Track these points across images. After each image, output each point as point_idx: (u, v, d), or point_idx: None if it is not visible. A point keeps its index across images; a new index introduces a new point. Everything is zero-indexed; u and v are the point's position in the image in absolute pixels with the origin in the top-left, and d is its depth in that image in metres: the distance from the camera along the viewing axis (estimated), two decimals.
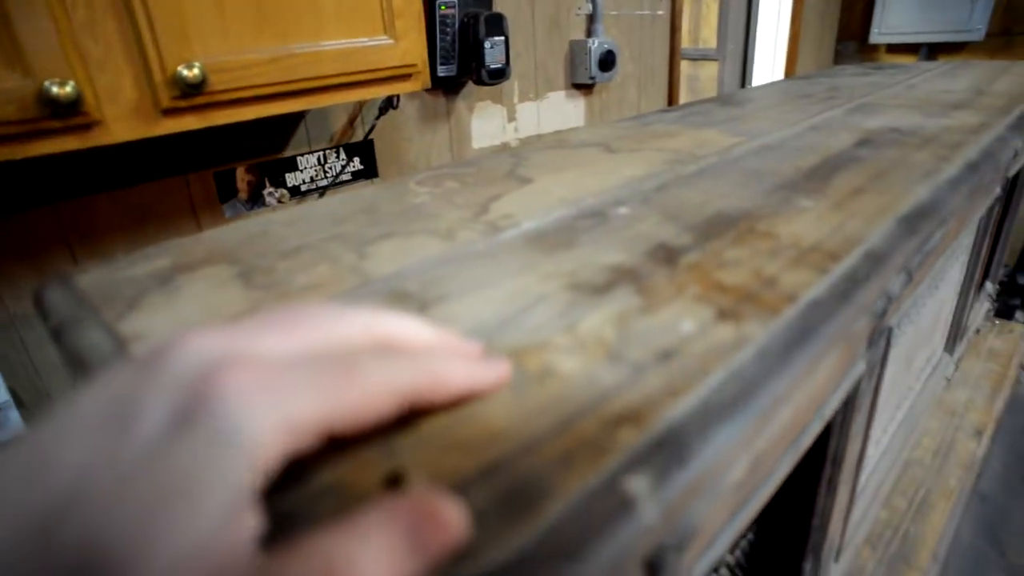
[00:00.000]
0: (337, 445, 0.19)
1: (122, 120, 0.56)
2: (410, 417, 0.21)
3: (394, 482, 0.19)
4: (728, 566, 0.49)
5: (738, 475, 0.28)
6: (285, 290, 0.31)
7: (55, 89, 0.51)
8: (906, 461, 0.73)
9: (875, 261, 0.33)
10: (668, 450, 0.21)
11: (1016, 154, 0.63)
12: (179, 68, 0.56)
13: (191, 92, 0.58)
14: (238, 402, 0.15)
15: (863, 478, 0.57)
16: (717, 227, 0.37)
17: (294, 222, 0.42)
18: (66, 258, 0.87)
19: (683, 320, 0.27)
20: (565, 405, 0.22)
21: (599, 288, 0.30)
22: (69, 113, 0.53)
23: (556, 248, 0.35)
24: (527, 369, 0.24)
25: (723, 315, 0.27)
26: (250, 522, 0.15)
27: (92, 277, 0.36)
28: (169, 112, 0.59)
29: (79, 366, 0.28)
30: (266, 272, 0.34)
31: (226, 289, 0.32)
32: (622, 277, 0.31)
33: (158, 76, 0.57)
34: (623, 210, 0.40)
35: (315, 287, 0.32)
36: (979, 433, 0.78)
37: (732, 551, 0.49)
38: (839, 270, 0.31)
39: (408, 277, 0.32)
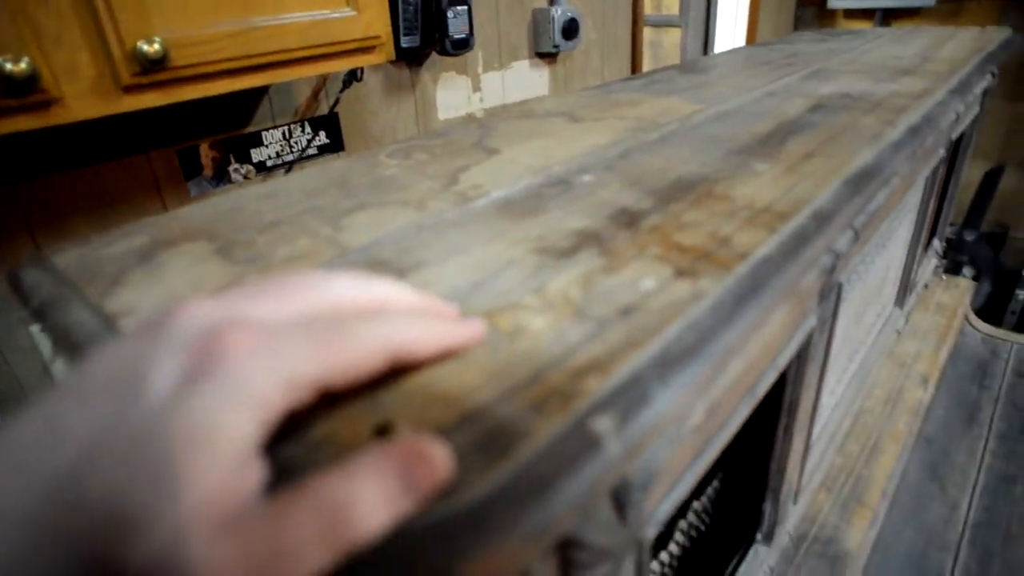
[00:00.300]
0: (329, 400, 0.20)
1: (82, 97, 0.55)
2: (394, 375, 0.22)
3: (383, 432, 0.21)
4: (696, 511, 0.53)
5: (697, 420, 0.31)
6: (267, 263, 0.32)
7: (9, 66, 0.50)
8: (859, 410, 0.78)
9: (821, 220, 0.35)
10: (630, 394, 0.23)
11: (958, 117, 0.66)
12: (139, 43, 0.56)
13: (152, 68, 0.57)
14: (243, 361, 0.16)
15: (818, 426, 0.61)
16: (677, 191, 0.39)
17: (268, 197, 0.43)
18: (26, 240, 0.86)
19: (643, 278, 0.29)
20: (536, 359, 0.24)
21: (565, 252, 0.32)
22: (25, 91, 0.52)
23: (524, 215, 0.37)
24: (500, 328, 0.26)
25: (680, 273, 0.29)
26: (256, 471, 0.17)
27: (69, 256, 0.36)
28: (130, 89, 0.58)
29: (66, 343, 0.29)
30: (246, 246, 0.35)
31: (208, 264, 0.33)
32: (586, 241, 0.33)
33: (117, 51, 0.56)
34: (587, 177, 0.42)
35: (296, 259, 0.33)
36: (925, 381, 0.84)
37: (699, 497, 0.52)
38: (788, 229, 0.33)
39: (384, 246, 0.34)
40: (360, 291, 0.22)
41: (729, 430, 0.37)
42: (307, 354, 0.18)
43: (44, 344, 0.90)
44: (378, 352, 0.20)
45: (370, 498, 0.16)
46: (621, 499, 0.26)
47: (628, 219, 0.35)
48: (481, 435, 0.21)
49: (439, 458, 0.18)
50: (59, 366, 0.92)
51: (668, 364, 0.24)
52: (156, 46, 0.56)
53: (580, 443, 0.21)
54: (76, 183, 0.85)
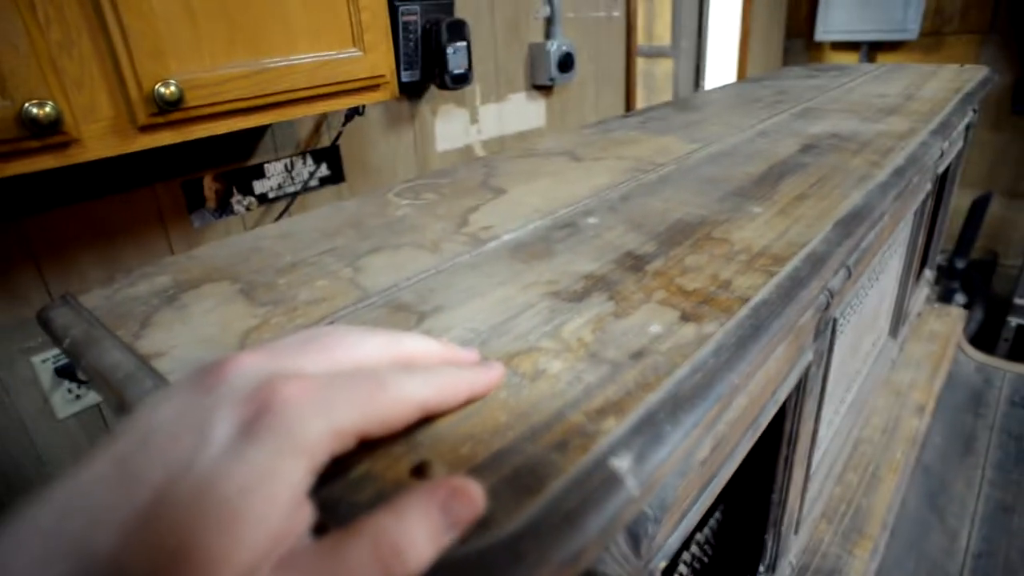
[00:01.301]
0: (368, 445, 0.22)
1: (100, 137, 0.57)
2: (427, 419, 0.24)
3: (419, 471, 0.22)
4: (699, 543, 0.54)
5: (704, 453, 0.32)
6: (291, 305, 0.34)
7: (35, 110, 0.52)
8: (857, 439, 0.79)
9: (816, 262, 0.37)
10: (645, 434, 0.24)
11: (942, 154, 0.69)
12: (156, 85, 0.58)
13: (168, 109, 0.59)
14: (293, 412, 0.18)
15: (817, 457, 0.62)
16: (678, 234, 0.41)
17: (284, 237, 0.45)
18: (33, 274, 0.87)
19: (651, 323, 0.31)
20: (556, 400, 0.26)
21: (576, 295, 0.34)
22: (48, 133, 0.54)
23: (534, 258, 0.39)
24: (521, 371, 0.27)
25: (685, 317, 0.31)
26: (308, 512, 0.18)
27: (96, 296, 0.37)
28: (146, 128, 0.60)
29: (102, 383, 0.30)
30: (268, 287, 0.37)
31: (233, 305, 0.35)
32: (596, 284, 0.35)
33: (135, 94, 0.58)
34: (592, 220, 0.44)
35: (319, 301, 0.34)
36: (921, 410, 0.85)
37: (702, 528, 0.53)
38: (784, 272, 0.35)
39: (403, 289, 0.35)
40: (393, 346, 0.24)
41: (734, 462, 0.38)
42: (350, 407, 0.20)
43: (45, 375, 0.91)
44: (413, 406, 0.22)
45: (419, 535, 0.18)
46: (636, 532, 0.28)
47: (633, 263, 0.37)
48: (511, 472, 0.22)
49: (475, 493, 0.20)
50: (59, 397, 0.92)
51: (678, 405, 0.26)
52: (172, 88, 0.58)
53: (603, 480, 0.22)
54: (82, 216, 0.87)
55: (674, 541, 0.33)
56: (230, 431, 0.18)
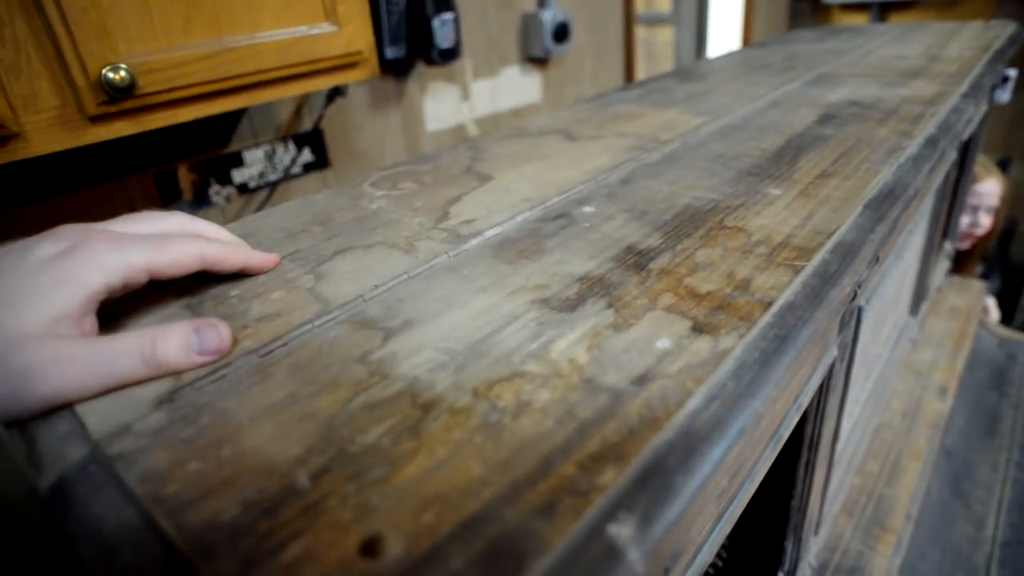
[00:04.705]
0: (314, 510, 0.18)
1: (44, 130, 0.52)
2: (385, 476, 0.20)
3: (369, 549, 0.18)
4: None
5: (722, 487, 0.28)
6: (241, 323, 0.29)
7: None
8: (877, 426, 0.75)
9: (846, 253, 0.32)
10: (651, 489, 0.20)
11: (969, 120, 0.63)
12: (104, 70, 0.52)
13: (120, 96, 0.53)
14: (97, 246, 0.26)
15: (838, 450, 0.58)
16: (686, 224, 0.36)
17: (245, 238, 0.40)
18: None
19: (658, 336, 0.26)
20: (543, 444, 0.21)
21: (569, 303, 0.29)
22: None
23: (522, 257, 0.34)
24: (502, 404, 0.23)
25: (698, 328, 0.26)
26: (94, 321, 0.26)
27: None
28: (97, 119, 0.55)
29: None
30: (217, 300, 0.32)
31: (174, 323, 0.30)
32: (592, 288, 0.30)
33: (81, 80, 0.52)
34: (588, 208, 0.39)
35: (272, 317, 0.29)
36: (944, 391, 0.81)
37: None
38: (811, 267, 0.30)
39: (369, 300, 0.31)
40: (188, 224, 0.33)
41: (753, 484, 0.34)
42: (142, 250, 0.27)
43: None
44: (193, 255, 0.29)
45: (173, 344, 0.26)
46: None
47: (635, 260, 0.32)
48: (485, 549, 0.18)
49: (225, 333, 0.27)
50: None
51: (692, 447, 0.21)
52: (123, 73, 0.53)
53: (598, 555, 0.18)
54: (48, 214, 0.82)
55: None
56: (52, 251, 0.26)
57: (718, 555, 0.51)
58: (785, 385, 0.26)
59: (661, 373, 0.24)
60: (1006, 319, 1.53)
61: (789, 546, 0.51)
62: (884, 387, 0.74)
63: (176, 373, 0.26)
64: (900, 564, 0.63)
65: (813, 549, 0.59)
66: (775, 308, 0.27)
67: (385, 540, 0.18)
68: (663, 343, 0.25)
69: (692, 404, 0.22)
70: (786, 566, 0.52)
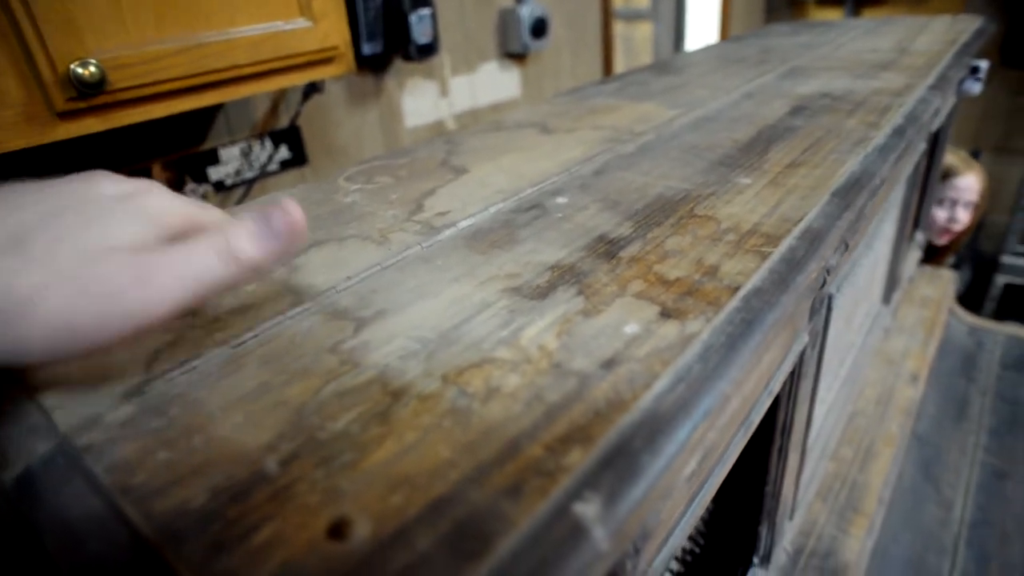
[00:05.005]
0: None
1: (11, 127, 0.51)
2: (353, 459, 0.20)
3: (337, 531, 0.18)
4: (689, 535, 0.50)
5: (690, 469, 0.28)
6: (211, 316, 0.29)
7: None
8: (851, 413, 0.76)
9: (813, 239, 0.33)
10: (617, 468, 0.20)
11: (937, 111, 0.64)
12: (72, 66, 0.51)
13: (89, 92, 0.53)
14: (151, 202, 0.25)
15: (811, 436, 0.59)
16: (657, 213, 0.36)
17: None
18: None
19: (626, 322, 0.26)
20: (511, 427, 0.21)
21: (540, 291, 0.29)
22: None
23: (494, 247, 0.34)
24: (471, 389, 0.23)
25: (666, 313, 0.27)
26: (162, 246, 0.24)
27: None
28: (66, 115, 0.54)
29: None
30: None
31: None
32: (563, 276, 0.30)
33: (48, 75, 0.51)
34: (561, 199, 0.39)
35: (244, 310, 0.29)
36: (915, 379, 0.82)
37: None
38: (778, 253, 0.31)
39: (342, 291, 0.31)
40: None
41: (724, 468, 0.34)
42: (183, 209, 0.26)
43: None
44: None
45: (245, 237, 0.25)
46: (614, 571, 0.24)
47: (607, 248, 0.32)
48: (451, 530, 0.18)
49: (291, 206, 0.26)
50: None
51: (657, 427, 0.21)
52: (92, 68, 0.52)
53: (564, 534, 0.18)
54: None
55: (659, 564, 0.30)
56: (114, 195, 0.25)
57: (694, 541, 0.52)
58: (752, 368, 0.27)
59: (629, 357, 0.24)
60: (975, 308, 1.56)
61: (764, 531, 0.51)
62: (857, 375, 0.75)
63: (257, 271, 0.25)
64: (872, 546, 0.64)
65: (788, 534, 0.60)
66: (742, 293, 0.28)
67: (353, 522, 0.18)
68: (631, 328, 0.26)
69: (659, 386, 0.23)
70: (761, 551, 0.53)
